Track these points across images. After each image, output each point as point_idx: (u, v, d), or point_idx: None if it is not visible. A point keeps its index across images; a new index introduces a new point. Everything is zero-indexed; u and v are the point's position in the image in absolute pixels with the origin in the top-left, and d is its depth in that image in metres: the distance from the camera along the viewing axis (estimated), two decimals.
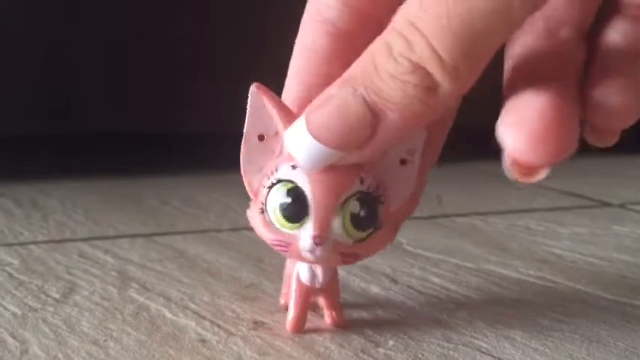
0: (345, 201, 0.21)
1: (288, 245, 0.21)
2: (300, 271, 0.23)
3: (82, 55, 0.50)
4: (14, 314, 0.25)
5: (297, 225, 0.21)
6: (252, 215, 0.22)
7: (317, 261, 0.21)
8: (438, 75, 0.18)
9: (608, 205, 0.45)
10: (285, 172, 0.21)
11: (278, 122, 0.21)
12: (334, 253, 0.21)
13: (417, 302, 0.27)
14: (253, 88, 0.22)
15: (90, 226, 0.38)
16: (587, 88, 0.19)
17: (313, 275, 0.23)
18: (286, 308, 0.24)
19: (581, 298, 0.28)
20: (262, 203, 0.22)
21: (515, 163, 0.19)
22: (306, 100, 0.21)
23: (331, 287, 0.23)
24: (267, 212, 0.21)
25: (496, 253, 0.34)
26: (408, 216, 0.23)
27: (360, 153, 0.20)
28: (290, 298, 0.23)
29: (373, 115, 0.19)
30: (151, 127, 0.54)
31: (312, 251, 0.21)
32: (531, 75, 0.20)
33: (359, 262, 0.31)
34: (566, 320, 0.25)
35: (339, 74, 0.20)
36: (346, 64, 0.21)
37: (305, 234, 0.21)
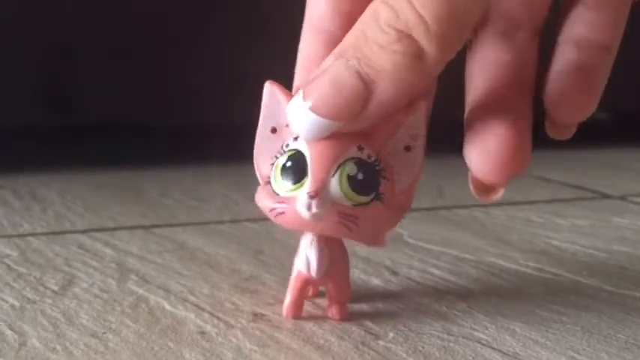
0: (342, 163, 0.21)
1: (284, 210, 0.21)
2: (297, 259, 0.24)
3: (82, 45, 0.50)
4: (12, 306, 0.25)
5: (296, 186, 0.21)
6: (259, 193, 0.23)
7: (313, 218, 0.21)
8: (424, 41, 0.19)
9: (608, 196, 0.45)
10: (289, 144, 0.22)
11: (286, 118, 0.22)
12: (331, 211, 0.21)
13: (417, 294, 0.27)
14: (267, 84, 0.23)
15: (89, 218, 0.38)
16: (547, 86, 0.21)
17: (308, 264, 0.23)
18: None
19: (582, 289, 0.28)
20: (268, 176, 0.23)
21: (477, 182, 0.21)
22: None
23: (333, 277, 0.24)
24: (271, 183, 0.22)
25: (496, 245, 0.34)
26: (408, 207, 0.23)
27: (355, 123, 0.20)
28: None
29: (365, 86, 0.20)
30: (150, 119, 0.54)
31: (308, 207, 0.21)
32: (491, 88, 0.21)
33: (359, 254, 0.31)
34: (566, 312, 0.25)
35: None
36: None
37: (302, 192, 0.21)
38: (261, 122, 0.23)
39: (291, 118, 0.21)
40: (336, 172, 0.21)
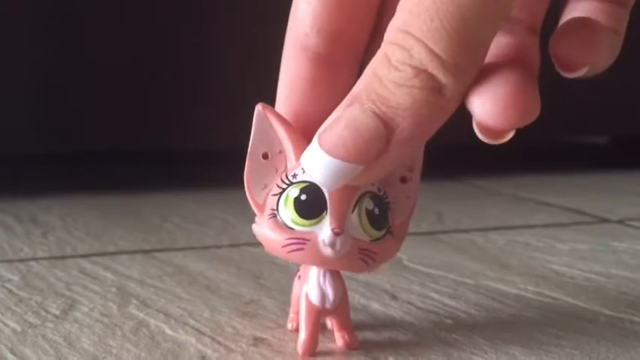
0: (360, 197, 0.21)
1: (304, 242, 0.21)
2: (309, 292, 0.23)
3: (83, 73, 0.51)
4: (14, 330, 0.25)
5: (314, 221, 0.21)
6: (260, 225, 0.22)
7: (336, 255, 0.21)
8: (441, 75, 0.18)
9: (607, 221, 0.45)
10: (297, 177, 0.22)
11: (284, 141, 0.22)
12: (353, 248, 0.21)
13: (417, 318, 0.27)
14: (259, 108, 0.22)
15: (90, 243, 0.38)
16: (555, 34, 0.20)
17: (323, 295, 0.23)
18: (296, 331, 0.24)
19: (581, 314, 0.28)
20: (273, 209, 0.22)
21: (484, 127, 0.20)
22: (297, 125, 0.22)
23: (341, 308, 0.23)
24: (279, 215, 0.22)
25: (495, 269, 0.34)
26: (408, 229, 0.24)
27: (376, 166, 0.20)
28: (300, 319, 0.23)
29: (385, 125, 0.19)
30: (150, 144, 0.55)
31: (332, 244, 0.21)
32: (495, 61, 0.20)
33: (358, 278, 0.31)
34: (565, 336, 0.25)
35: (325, 98, 0.21)
36: (330, 87, 0.22)
37: (324, 228, 0.21)
38: (251, 147, 0.23)
39: (308, 167, 0.20)
40: (355, 207, 0.21)
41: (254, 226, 0.23)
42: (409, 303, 0.28)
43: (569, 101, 0.63)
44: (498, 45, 0.21)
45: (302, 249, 0.21)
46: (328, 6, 0.22)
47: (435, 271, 0.33)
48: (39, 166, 0.62)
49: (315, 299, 0.23)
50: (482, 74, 0.19)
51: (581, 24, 0.21)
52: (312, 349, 0.23)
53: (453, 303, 0.29)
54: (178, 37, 0.52)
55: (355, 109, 0.19)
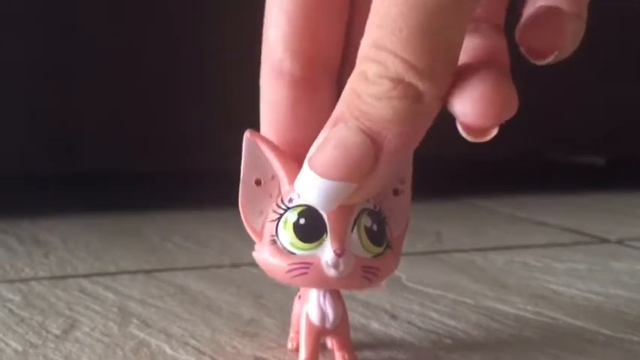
0: (358, 216, 0.21)
1: (308, 266, 0.21)
2: (309, 312, 0.23)
3: (83, 95, 0.51)
4: (15, 350, 0.25)
5: (314, 244, 0.21)
6: (260, 252, 0.22)
7: (340, 276, 0.21)
8: (418, 82, 0.19)
9: (606, 241, 0.45)
10: (294, 201, 0.22)
11: (276, 166, 0.22)
12: (356, 267, 0.21)
13: (417, 338, 0.27)
14: (247, 135, 0.22)
15: (91, 263, 0.38)
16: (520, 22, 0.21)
17: (323, 315, 0.23)
18: (296, 351, 0.24)
19: (579, 334, 0.28)
20: (272, 235, 0.22)
21: (467, 127, 0.20)
22: (286, 149, 0.23)
23: (341, 327, 0.23)
24: (279, 240, 0.22)
25: (494, 289, 0.34)
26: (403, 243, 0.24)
27: (369, 181, 0.20)
28: (300, 339, 0.23)
29: (372, 140, 0.19)
30: (150, 165, 0.55)
31: (335, 265, 0.21)
32: (467, 62, 0.21)
33: (358, 298, 0.31)
34: (564, 356, 0.25)
35: (308, 121, 0.22)
36: (312, 109, 0.22)
37: (326, 250, 0.21)
38: (243, 174, 0.23)
39: (302, 191, 0.21)
40: (354, 225, 0.21)
41: (254, 254, 0.22)
42: (409, 322, 0.29)
43: (567, 121, 0.63)
44: (468, 47, 0.21)
45: (306, 273, 0.21)
46: (297, 28, 0.22)
47: (435, 291, 0.33)
48: (40, 186, 0.62)
49: (315, 319, 0.23)
50: (459, 77, 0.20)
51: (549, 12, 0.21)
52: None
53: (452, 323, 0.29)
54: (185, 57, 0.52)
55: (341, 128, 0.20)
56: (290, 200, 0.22)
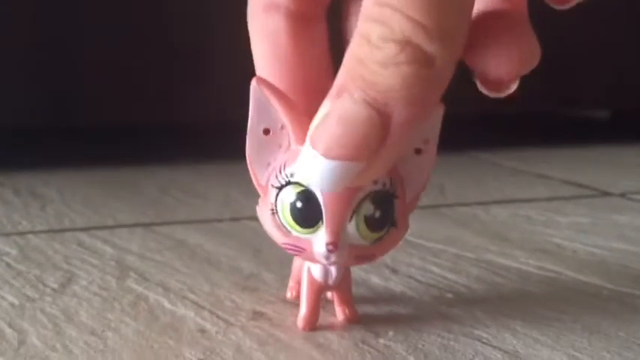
0: (359, 204, 0.20)
1: (301, 250, 0.21)
2: (312, 268, 0.23)
3: (82, 47, 0.50)
4: (12, 304, 0.25)
5: (310, 230, 0.20)
6: (263, 213, 0.22)
7: (332, 264, 0.22)
8: (427, 44, 0.17)
9: (609, 194, 0.45)
10: (295, 175, 0.20)
11: (284, 117, 0.21)
12: (349, 256, 0.21)
13: (417, 292, 0.27)
14: (254, 82, 0.21)
15: (89, 216, 0.38)
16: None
17: (326, 273, 0.22)
18: (295, 300, 0.24)
19: (582, 287, 0.27)
20: (272, 204, 0.21)
21: (487, 82, 0.19)
22: (285, 88, 0.21)
23: (343, 282, 0.23)
24: (277, 214, 0.21)
25: (497, 242, 0.34)
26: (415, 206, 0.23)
27: (379, 160, 0.18)
28: (301, 294, 0.23)
29: (380, 113, 0.17)
30: (150, 117, 0.54)
31: (326, 258, 0.21)
32: (485, 10, 0.19)
33: None
34: (567, 310, 0.25)
35: (305, 53, 0.20)
36: (308, 41, 0.21)
37: (319, 240, 0.20)
38: (251, 124, 0.21)
39: (305, 172, 0.19)
40: (352, 216, 0.20)
41: (257, 208, 0.22)
42: (410, 277, 0.28)
43: (572, 75, 0.62)
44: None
45: (299, 253, 0.21)
46: None
47: (436, 245, 0.33)
48: (37, 139, 0.61)
49: (318, 276, 0.22)
50: (476, 29, 0.18)
51: None
52: (312, 324, 0.23)
53: (453, 277, 0.28)
54: (179, 10, 0.51)
55: (344, 100, 0.18)
56: (292, 174, 0.20)
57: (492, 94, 0.19)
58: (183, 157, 0.55)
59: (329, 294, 0.24)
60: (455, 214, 0.40)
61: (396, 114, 0.17)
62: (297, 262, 0.25)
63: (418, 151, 0.21)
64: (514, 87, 0.19)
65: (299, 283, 0.24)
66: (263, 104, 0.21)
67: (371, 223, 0.20)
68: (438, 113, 0.21)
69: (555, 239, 0.34)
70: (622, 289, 0.27)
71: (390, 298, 0.26)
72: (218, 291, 0.26)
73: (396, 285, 0.27)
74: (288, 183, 0.20)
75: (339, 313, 0.23)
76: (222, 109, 0.52)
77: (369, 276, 0.28)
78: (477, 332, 0.23)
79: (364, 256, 0.21)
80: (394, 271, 0.29)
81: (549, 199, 0.44)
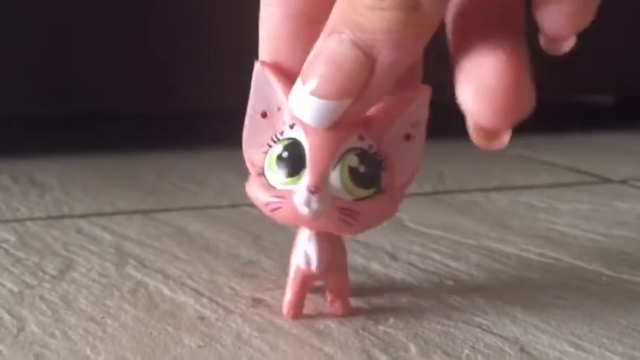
0: (343, 154, 0.20)
1: (280, 204, 0.20)
2: (295, 255, 0.23)
3: (81, 34, 0.50)
4: (11, 291, 0.25)
5: (294, 179, 0.20)
6: (250, 184, 0.22)
7: (313, 215, 0.20)
8: None
9: (610, 181, 0.45)
10: (285, 133, 0.21)
11: (281, 96, 0.21)
12: (332, 207, 0.20)
13: (417, 279, 0.27)
14: (258, 65, 0.21)
15: (87, 203, 0.38)
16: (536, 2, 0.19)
17: (308, 259, 0.22)
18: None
19: (583, 274, 0.27)
20: (260, 167, 0.21)
21: (480, 129, 0.19)
22: (287, 64, 0.21)
23: (335, 272, 0.23)
24: (265, 174, 0.21)
25: (497, 229, 0.33)
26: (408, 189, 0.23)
27: (364, 99, 0.19)
28: (287, 280, 0.23)
29: (366, 54, 0.18)
30: (148, 103, 0.54)
31: (307, 203, 0.20)
32: (475, 25, 0.19)
33: (359, 239, 0.30)
34: (567, 297, 0.25)
35: (303, 56, 0.20)
36: (308, 44, 0.20)
37: (301, 186, 0.20)
38: (250, 106, 0.22)
39: (294, 106, 0.20)
40: (337, 164, 0.20)
41: (246, 184, 0.22)
42: (410, 264, 0.28)
43: (575, 60, 0.62)
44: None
45: (281, 207, 0.20)
46: None
47: (436, 232, 0.33)
48: (36, 126, 0.61)
49: (300, 262, 0.22)
50: (469, 64, 0.18)
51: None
52: (296, 310, 0.23)
53: (454, 264, 0.28)
54: (179, 2, 0.51)
55: (333, 40, 0.18)
56: (282, 133, 0.21)
57: (484, 144, 0.20)
58: (182, 144, 0.54)
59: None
60: (455, 200, 0.39)
61: (382, 56, 0.18)
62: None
63: (407, 137, 0.21)
64: (506, 139, 0.19)
65: None
66: (263, 87, 0.21)
67: (355, 176, 0.20)
68: (425, 96, 0.21)
69: (556, 226, 0.34)
70: (622, 275, 0.27)
71: (390, 285, 0.26)
72: (217, 278, 0.26)
73: (396, 272, 0.27)
74: (278, 140, 0.21)
75: (329, 304, 0.23)
76: (220, 96, 0.51)
77: (369, 263, 0.28)
78: (477, 319, 0.23)
79: (348, 210, 0.20)
80: (394, 257, 0.29)
81: (550, 186, 0.43)
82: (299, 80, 0.19)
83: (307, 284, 0.23)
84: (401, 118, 0.21)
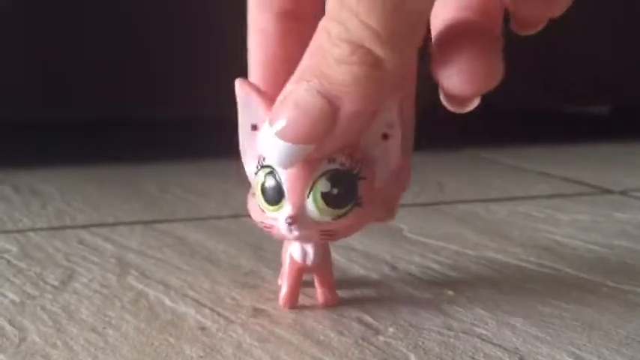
0: (314, 182, 0.22)
1: (272, 227, 0.22)
2: (292, 250, 0.24)
3: (83, 41, 0.50)
4: (13, 301, 0.25)
5: (276, 207, 0.22)
6: (249, 200, 0.24)
7: (298, 239, 0.23)
8: (378, 49, 0.18)
9: (609, 192, 0.45)
10: (265, 160, 0.22)
11: (262, 112, 0.22)
12: (312, 230, 0.22)
13: (417, 289, 0.27)
14: (237, 83, 0.23)
15: (89, 214, 0.38)
16: None
17: (305, 253, 0.24)
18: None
19: (582, 285, 0.27)
20: (253, 188, 0.23)
21: (450, 96, 0.21)
22: (270, 82, 0.23)
23: (323, 266, 0.24)
24: (257, 197, 0.23)
25: (497, 240, 0.34)
26: (402, 194, 0.24)
27: (326, 144, 0.20)
28: (282, 274, 0.25)
29: (330, 104, 0.19)
30: (150, 114, 0.54)
31: (289, 231, 0.22)
32: (455, 17, 0.20)
33: (358, 249, 0.31)
34: (567, 307, 0.25)
35: (293, 54, 0.21)
36: (298, 42, 0.22)
37: (282, 215, 0.22)
38: (240, 120, 0.23)
39: (263, 147, 0.21)
40: (310, 192, 0.22)
41: (248, 197, 0.24)
42: (409, 274, 0.28)
43: (571, 71, 0.62)
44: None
45: (272, 230, 0.22)
46: None
47: (436, 242, 0.33)
48: (38, 136, 0.61)
49: (297, 256, 0.24)
50: (443, 41, 0.20)
51: None
52: (291, 301, 0.24)
53: (453, 274, 0.28)
54: (181, 6, 0.51)
55: (301, 87, 0.20)
56: (264, 159, 0.22)
57: (456, 110, 0.21)
58: (183, 155, 0.55)
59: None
60: (455, 211, 0.40)
61: (345, 107, 0.19)
62: (285, 245, 0.25)
63: (385, 137, 0.22)
64: (475, 104, 0.21)
65: None
66: (248, 102, 0.23)
67: (329, 200, 0.22)
68: (394, 99, 0.22)
69: (556, 236, 0.34)
70: (622, 286, 0.27)
71: (390, 295, 0.26)
72: (218, 288, 0.26)
73: (396, 282, 0.27)
74: (262, 167, 0.22)
75: (320, 296, 0.25)
76: (222, 106, 0.52)
77: (369, 273, 0.28)
78: (477, 329, 0.23)
79: (328, 231, 0.22)
80: (394, 268, 0.29)
81: (550, 197, 0.44)
82: (267, 121, 0.21)
83: (301, 277, 0.24)
84: (375, 120, 0.22)
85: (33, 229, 0.34)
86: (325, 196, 0.22)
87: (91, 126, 0.61)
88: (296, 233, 0.22)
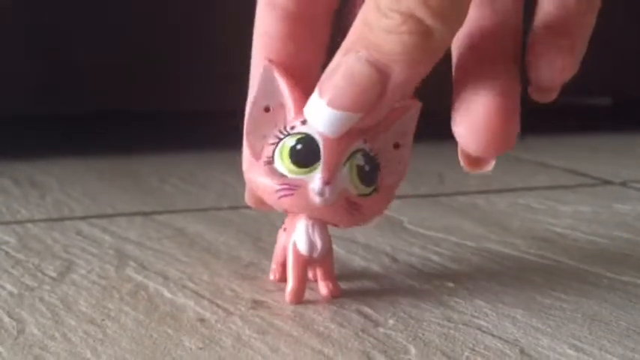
0: (352, 154, 0.22)
1: (295, 188, 0.22)
2: (297, 242, 0.23)
3: (82, 33, 0.50)
4: (11, 293, 0.25)
5: (307, 170, 0.22)
6: (254, 172, 0.23)
7: (324, 204, 0.22)
8: (429, 19, 0.19)
9: (610, 183, 0.45)
10: (295, 128, 0.22)
11: (286, 96, 0.23)
12: (341, 197, 0.22)
13: (417, 281, 0.27)
14: (267, 64, 0.23)
15: (88, 205, 0.38)
16: (529, 54, 0.21)
17: (312, 245, 0.23)
18: (280, 282, 0.25)
19: (583, 276, 0.27)
20: (269, 157, 0.23)
21: (467, 155, 0.22)
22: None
23: (327, 258, 0.24)
24: (274, 162, 0.23)
25: (497, 231, 0.33)
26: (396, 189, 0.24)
27: (374, 112, 0.21)
28: (287, 269, 0.24)
29: (380, 72, 0.20)
30: (149, 105, 0.54)
31: (321, 192, 0.22)
32: (476, 55, 0.21)
33: (359, 241, 0.31)
34: (567, 299, 0.25)
35: (298, 54, 0.23)
36: (301, 43, 0.23)
37: (315, 176, 0.22)
38: (254, 100, 0.23)
39: (310, 116, 0.21)
40: (347, 161, 0.22)
41: (245, 174, 0.24)
42: (410, 265, 0.28)
43: None
44: (478, 30, 0.21)
45: (292, 194, 0.22)
46: None
47: (436, 234, 0.33)
48: (37, 127, 0.61)
49: (303, 249, 0.23)
50: (465, 97, 0.21)
51: (542, 51, 0.21)
52: (299, 298, 0.24)
53: (454, 266, 0.28)
54: (182, 2, 0.51)
55: (350, 58, 0.20)
56: (292, 127, 0.23)
57: (469, 170, 0.22)
58: (183, 146, 0.54)
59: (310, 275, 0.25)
60: (455, 202, 0.39)
61: (394, 75, 0.20)
62: (280, 241, 0.25)
63: (396, 146, 0.23)
64: (492, 165, 0.22)
65: (282, 265, 0.25)
66: (270, 84, 0.23)
67: (361, 174, 0.22)
68: (416, 109, 0.23)
69: (556, 228, 0.34)
70: (623, 277, 0.27)
71: (391, 286, 0.26)
72: (217, 280, 0.26)
73: (397, 273, 0.27)
74: (289, 134, 0.22)
75: (323, 288, 0.24)
76: (221, 98, 0.51)
77: (370, 264, 0.28)
78: (477, 321, 0.23)
79: (352, 203, 0.22)
80: (394, 259, 0.29)
81: (550, 188, 0.43)
82: (316, 92, 0.21)
83: (307, 270, 0.24)
84: (393, 126, 0.23)
85: (31, 221, 0.34)
86: (359, 170, 0.22)
87: (90, 117, 0.61)
88: (328, 196, 0.22)
